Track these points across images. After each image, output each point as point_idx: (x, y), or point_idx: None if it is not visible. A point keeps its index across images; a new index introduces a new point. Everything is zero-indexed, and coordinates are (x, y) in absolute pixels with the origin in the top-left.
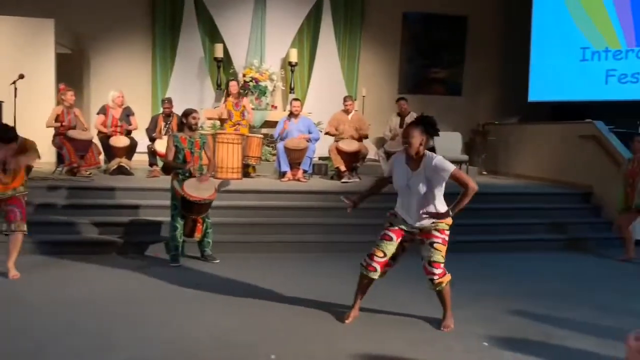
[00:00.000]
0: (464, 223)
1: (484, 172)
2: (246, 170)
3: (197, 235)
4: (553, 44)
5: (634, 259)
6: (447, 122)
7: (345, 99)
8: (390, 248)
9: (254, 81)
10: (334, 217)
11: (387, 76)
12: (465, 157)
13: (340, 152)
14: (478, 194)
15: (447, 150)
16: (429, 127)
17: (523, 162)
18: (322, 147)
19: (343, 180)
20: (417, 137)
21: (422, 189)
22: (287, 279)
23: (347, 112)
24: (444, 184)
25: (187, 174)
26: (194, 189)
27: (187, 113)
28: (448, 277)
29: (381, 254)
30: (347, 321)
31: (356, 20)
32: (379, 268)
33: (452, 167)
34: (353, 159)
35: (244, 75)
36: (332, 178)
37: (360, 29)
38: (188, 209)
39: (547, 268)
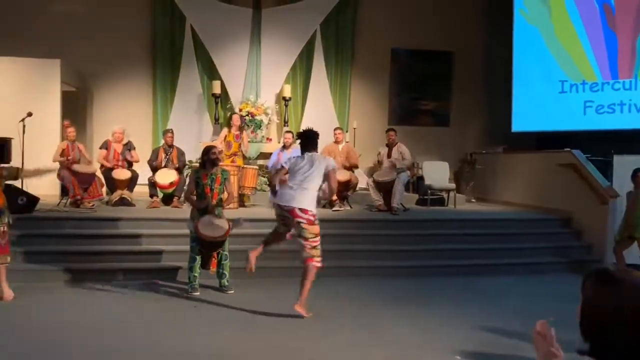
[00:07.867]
0: (453, 248)
1: (473, 200)
2: (241, 200)
3: (212, 269)
4: (533, 77)
5: None
6: (435, 152)
7: (335, 130)
8: None
9: (250, 115)
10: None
11: (377, 109)
12: (453, 186)
13: None
14: (465, 220)
15: (435, 179)
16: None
17: (509, 189)
18: None
19: (334, 209)
20: None
21: None
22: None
23: (337, 142)
24: None
25: (202, 210)
26: (207, 227)
27: (207, 150)
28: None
29: None
30: None
31: (347, 57)
32: None
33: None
34: (344, 188)
35: (240, 110)
36: (324, 207)
37: (350, 65)
38: (202, 245)
39: (528, 289)
